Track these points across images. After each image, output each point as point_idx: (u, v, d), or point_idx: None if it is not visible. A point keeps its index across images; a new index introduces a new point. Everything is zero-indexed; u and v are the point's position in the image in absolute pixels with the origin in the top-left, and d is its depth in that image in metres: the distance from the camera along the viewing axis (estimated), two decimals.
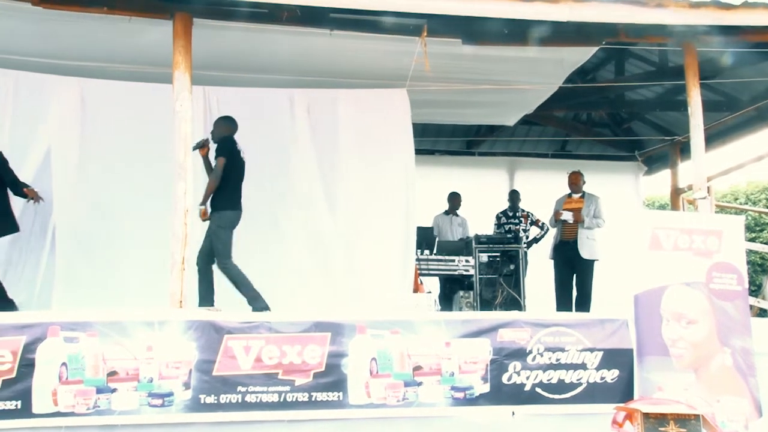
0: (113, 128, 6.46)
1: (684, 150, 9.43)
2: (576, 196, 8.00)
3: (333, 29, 5.82)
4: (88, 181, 6.54)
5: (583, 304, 7.57)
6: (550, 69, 6.95)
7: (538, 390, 5.15)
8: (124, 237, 6.44)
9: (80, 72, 6.47)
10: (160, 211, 5.63)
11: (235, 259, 5.98)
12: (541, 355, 5.18)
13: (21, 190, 6.01)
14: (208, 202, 5.96)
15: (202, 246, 5.93)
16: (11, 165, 6.03)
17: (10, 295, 5.85)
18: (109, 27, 5.71)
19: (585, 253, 7.66)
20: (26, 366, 4.62)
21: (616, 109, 10.00)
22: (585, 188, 8.07)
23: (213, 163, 6.02)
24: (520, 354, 5.16)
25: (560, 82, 7.34)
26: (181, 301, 5.15)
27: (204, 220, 5.96)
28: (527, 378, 5.14)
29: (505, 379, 5.12)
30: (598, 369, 5.21)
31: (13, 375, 4.60)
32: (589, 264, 7.68)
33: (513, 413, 5.09)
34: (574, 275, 7.76)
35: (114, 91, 6.57)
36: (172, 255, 5.25)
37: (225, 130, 6.13)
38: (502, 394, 5.10)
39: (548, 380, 5.17)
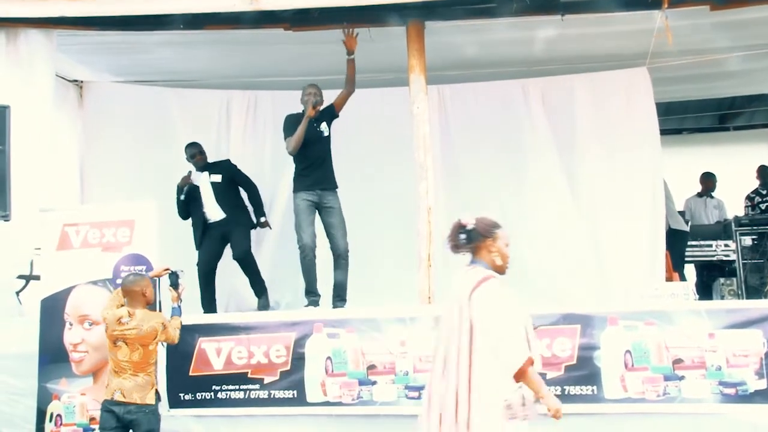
0: (357, 134, 6.80)
1: None
2: None
3: (564, 14, 5.64)
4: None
5: None
6: None
7: None
8: (373, 238, 6.77)
9: (324, 85, 6.94)
10: (404, 210, 5.87)
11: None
12: None
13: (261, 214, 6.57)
14: None
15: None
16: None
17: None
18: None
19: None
20: (298, 359, 5.12)
21: None
22: None
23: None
24: None
25: None
26: (429, 297, 5.33)
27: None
28: None
29: None
30: None
31: (288, 367, 5.13)
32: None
33: None
34: None
35: (355, 99, 6.95)
36: (418, 253, 5.44)
37: None
38: None
39: None
